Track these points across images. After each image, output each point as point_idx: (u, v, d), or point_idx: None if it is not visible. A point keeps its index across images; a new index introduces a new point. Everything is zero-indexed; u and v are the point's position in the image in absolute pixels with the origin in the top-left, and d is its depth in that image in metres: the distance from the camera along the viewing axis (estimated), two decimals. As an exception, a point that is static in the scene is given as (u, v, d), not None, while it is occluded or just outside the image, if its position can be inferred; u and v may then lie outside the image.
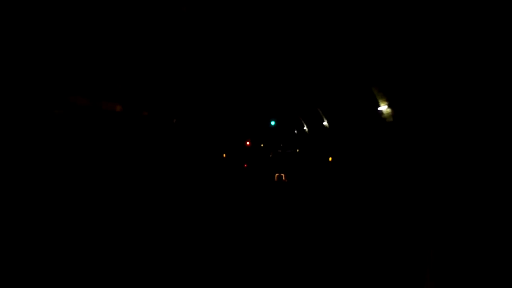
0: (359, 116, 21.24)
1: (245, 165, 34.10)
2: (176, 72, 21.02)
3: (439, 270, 6.61)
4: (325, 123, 31.04)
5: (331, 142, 30.26)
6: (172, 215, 12.56)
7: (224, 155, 35.97)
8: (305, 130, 44.48)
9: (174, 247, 8.90)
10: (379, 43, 14.12)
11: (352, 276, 7.18)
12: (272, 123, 53.56)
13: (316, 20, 13.74)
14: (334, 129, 28.80)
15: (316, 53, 18.21)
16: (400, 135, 16.01)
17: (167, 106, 24.65)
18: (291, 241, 9.70)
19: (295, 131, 56.97)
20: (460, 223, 9.46)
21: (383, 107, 17.05)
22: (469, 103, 10.06)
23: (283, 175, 23.52)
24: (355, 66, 17.84)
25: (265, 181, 22.71)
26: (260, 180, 23.49)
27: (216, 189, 18.86)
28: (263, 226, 11.28)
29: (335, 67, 19.80)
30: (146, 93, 20.35)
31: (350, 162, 24.37)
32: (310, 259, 8.21)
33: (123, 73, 16.20)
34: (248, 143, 55.34)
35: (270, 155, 31.87)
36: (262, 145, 59.06)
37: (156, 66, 18.50)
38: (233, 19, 13.86)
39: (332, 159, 30.24)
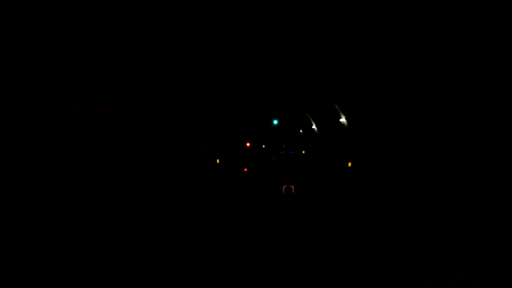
0: (404, 109, 15.31)
1: (245, 169, 32.13)
2: (163, 67, 18.68)
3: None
4: (342, 120, 25.39)
5: (351, 144, 24.68)
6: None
7: (218, 160, 30.73)
8: (313, 129, 39.11)
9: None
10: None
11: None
12: (275, 122, 49.79)
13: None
14: (357, 127, 23.05)
15: (333, 26, 13.36)
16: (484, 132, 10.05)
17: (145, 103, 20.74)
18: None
19: (301, 131, 53.08)
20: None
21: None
22: None
23: (292, 187, 19.80)
24: (402, 37, 12.19)
25: (270, 192, 18.53)
26: (264, 191, 19.22)
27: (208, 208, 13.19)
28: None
29: (362, 45, 14.29)
30: (130, 90, 18.34)
31: (388, 171, 18.44)
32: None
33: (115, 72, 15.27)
34: (248, 144, 51.15)
35: (273, 157, 29.85)
36: (263, 146, 56.09)
37: (147, 62, 16.69)
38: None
39: (352, 164, 24.81)
